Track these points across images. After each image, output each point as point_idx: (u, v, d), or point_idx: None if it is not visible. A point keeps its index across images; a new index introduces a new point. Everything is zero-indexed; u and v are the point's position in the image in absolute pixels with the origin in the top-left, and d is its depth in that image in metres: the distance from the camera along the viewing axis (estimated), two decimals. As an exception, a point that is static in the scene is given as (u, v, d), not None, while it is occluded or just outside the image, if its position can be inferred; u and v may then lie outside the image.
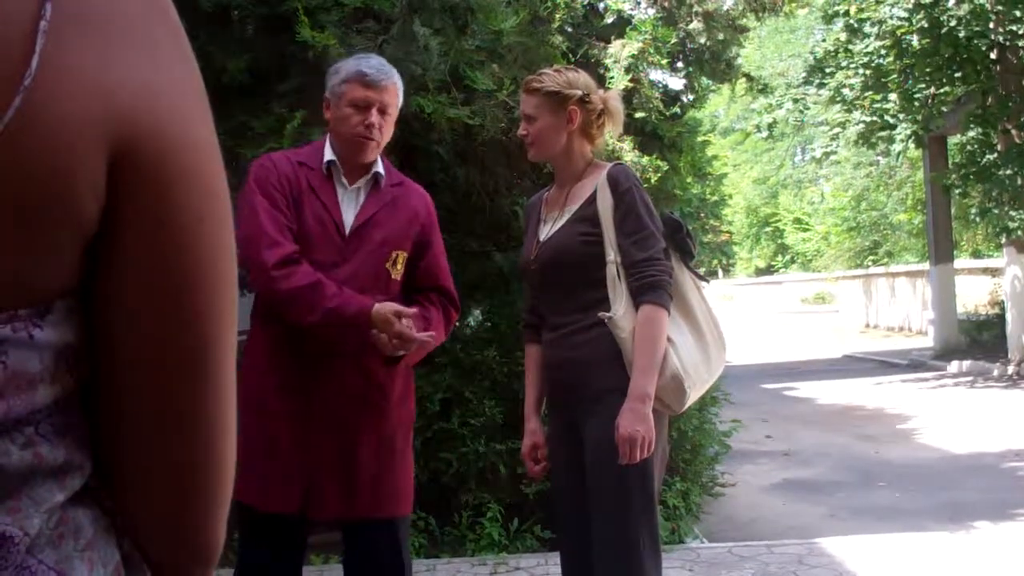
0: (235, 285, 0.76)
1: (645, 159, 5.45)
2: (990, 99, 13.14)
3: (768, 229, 43.68)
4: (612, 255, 2.74)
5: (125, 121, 0.66)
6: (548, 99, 2.82)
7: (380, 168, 2.83)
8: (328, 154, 2.81)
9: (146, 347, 0.72)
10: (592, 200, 2.78)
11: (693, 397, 2.82)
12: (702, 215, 8.30)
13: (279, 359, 2.74)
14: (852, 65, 13.59)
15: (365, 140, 2.75)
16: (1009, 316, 14.11)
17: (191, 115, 0.72)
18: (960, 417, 10.07)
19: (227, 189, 0.75)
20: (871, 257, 29.29)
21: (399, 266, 2.77)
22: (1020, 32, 11.93)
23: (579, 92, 2.84)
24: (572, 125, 2.84)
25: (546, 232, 2.89)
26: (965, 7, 11.61)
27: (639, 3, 7.16)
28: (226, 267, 0.74)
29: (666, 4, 6.97)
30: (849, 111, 14.18)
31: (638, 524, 2.69)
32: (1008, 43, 12.23)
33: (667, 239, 2.83)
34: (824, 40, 15.16)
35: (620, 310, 2.70)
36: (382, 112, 2.76)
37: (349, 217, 2.77)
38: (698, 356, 2.81)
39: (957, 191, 14.39)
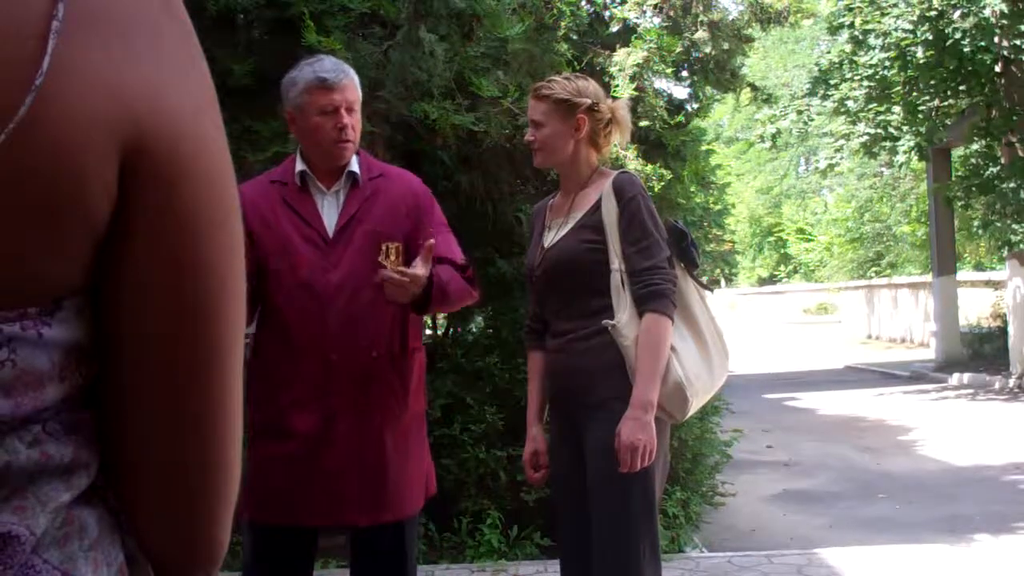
0: (243, 285, 0.77)
1: (649, 167, 5.45)
2: (994, 112, 13.14)
3: (771, 239, 43.68)
4: (616, 263, 2.73)
5: (136, 121, 0.67)
6: (557, 106, 2.81)
7: (355, 167, 2.78)
8: (299, 165, 2.78)
9: (153, 346, 0.72)
10: (597, 208, 2.78)
11: (695, 406, 2.82)
12: (705, 224, 8.28)
13: (288, 374, 2.71)
14: (856, 77, 13.59)
15: (343, 144, 2.72)
16: (1011, 329, 14.09)
17: (201, 115, 0.72)
18: (961, 429, 10.06)
19: (236, 190, 0.76)
20: (874, 268, 29.28)
21: (393, 257, 2.67)
22: (1024, 45, 11.94)
23: (588, 100, 2.83)
24: (580, 133, 2.84)
25: (550, 239, 2.89)
26: (970, 20, 11.61)
27: (644, 12, 7.17)
28: (234, 267, 0.75)
29: (671, 13, 6.98)
30: (853, 123, 14.18)
31: (638, 532, 2.68)
32: (1012, 56, 12.23)
33: (671, 247, 2.82)
34: (829, 51, 15.15)
35: (624, 318, 2.70)
36: (349, 111, 2.73)
37: (332, 221, 2.75)
38: (701, 365, 2.81)
39: (960, 204, 14.38)
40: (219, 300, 0.73)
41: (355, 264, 2.68)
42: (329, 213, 2.76)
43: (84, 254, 0.68)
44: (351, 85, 2.75)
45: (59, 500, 0.70)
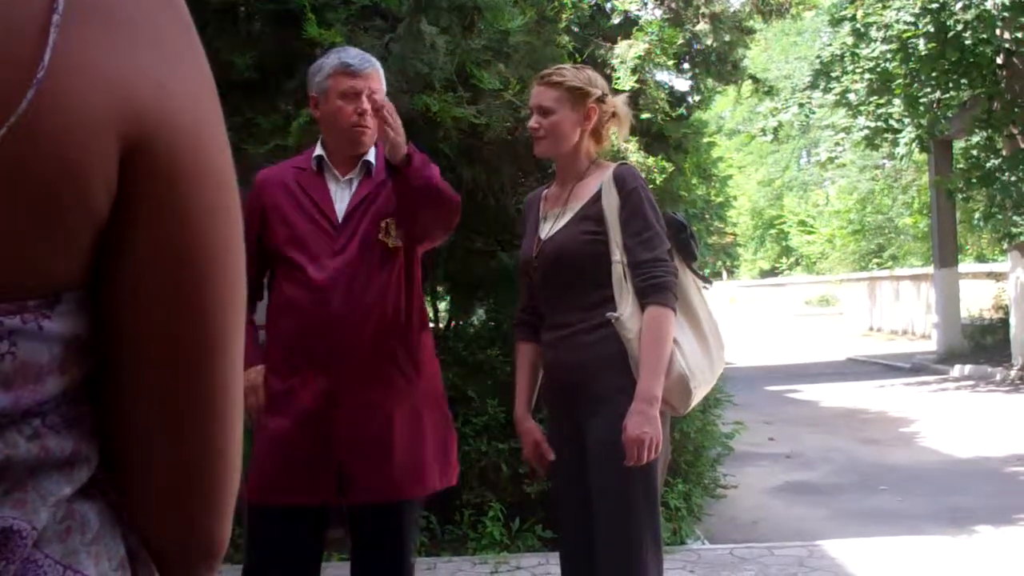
0: (243, 278, 0.76)
1: (651, 160, 5.45)
2: (996, 104, 13.13)
3: (773, 231, 43.67)
4: (618, 255, 2.73)
5: (135, 114, 0.67)
6: (569, 94, 2.81)
7: (371, 157, 2.85)
8: (317, 150, 2.85)
9: (154, 339, 0.72)
10: (597, 199, 2.77)
11: (697, 398, 2.82)
12: (707, 216, 8.30)
13: (294, 356, 2.74)
14: (858, 69, 13.58)
15: (361, 129, 2.78)
16: (1013, 320, 14.10)
17: (201, 109, 0.72)
18: (963, 421, 10.06)
19: (235, 183, 0.76)
20: (875, 260, 29.28)
21: (393, 232, 2.76)
22: (1026, 37, 11.93)
23: (599, 91, 2.85)
24: (588, 123, 2.84)
25: (548, 230, 2.87)
26: (971, 12, 11.59)
27: (646, 4, 7.17)
28: (234, 260, 0.75)
29: (673, 5, 6.97)
30: (854, 115, 14.18)
31: (641, 524, 2.68)
32: (1014, 48, 12.22)
33: (670, 240, 2.82)
34: (830, 44, 15.14)
35: (627, 311, 2.69)
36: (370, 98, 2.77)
37: (342, 207, 2.80)
38: (702, 357, 2.81)
39: (961, 196, 14.38)
40: (219, 292, 0.74)
41: (361, 248, 2.74)
42: (341, 199, 2.82)
43: (84, 247, 0.68)
44: (375, 75, 2.82)
45: (60, 494, 0.70)
